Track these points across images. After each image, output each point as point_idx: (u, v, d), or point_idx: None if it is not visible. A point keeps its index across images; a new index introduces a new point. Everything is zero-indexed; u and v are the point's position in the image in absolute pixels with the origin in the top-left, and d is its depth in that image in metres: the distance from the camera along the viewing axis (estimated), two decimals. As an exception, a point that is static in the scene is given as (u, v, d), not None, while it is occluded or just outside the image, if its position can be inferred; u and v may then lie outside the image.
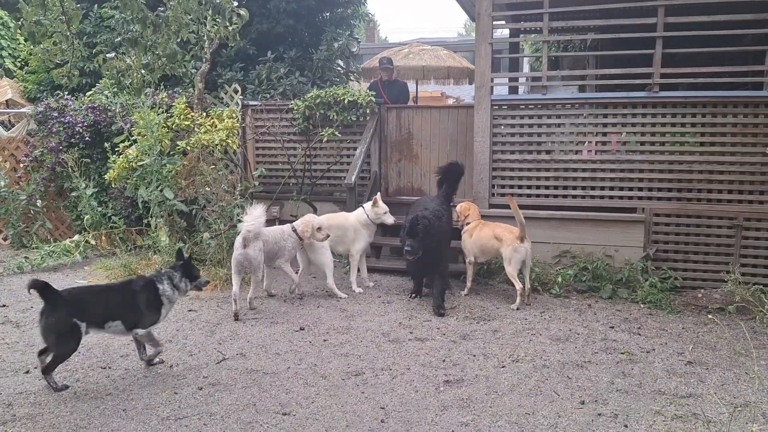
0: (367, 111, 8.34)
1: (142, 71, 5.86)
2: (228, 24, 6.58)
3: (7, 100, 12.29)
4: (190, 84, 9.43)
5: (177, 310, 5.78)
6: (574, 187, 7.24)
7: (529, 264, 6.36)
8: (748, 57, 7.18)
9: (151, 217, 7.78)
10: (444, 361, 4.82)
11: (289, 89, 9.62)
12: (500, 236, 6.30)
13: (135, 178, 7.77)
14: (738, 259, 6.60)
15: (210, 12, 5.92)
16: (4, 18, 14.09)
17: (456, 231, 6.81)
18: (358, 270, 7.03)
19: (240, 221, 6.17)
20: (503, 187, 7.50)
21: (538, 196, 7.37)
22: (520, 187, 7.44)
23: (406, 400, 4.12)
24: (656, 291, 6.40)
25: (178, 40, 5.72)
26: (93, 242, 8.22)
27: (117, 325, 4.37)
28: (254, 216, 5.89)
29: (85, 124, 8.84)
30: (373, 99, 8.31)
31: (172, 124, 7.97)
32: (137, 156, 7.72)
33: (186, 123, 7.95)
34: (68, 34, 5.47)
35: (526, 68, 16.13)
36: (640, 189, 6.99)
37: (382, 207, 6.84)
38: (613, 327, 5.70)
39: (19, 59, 14.25)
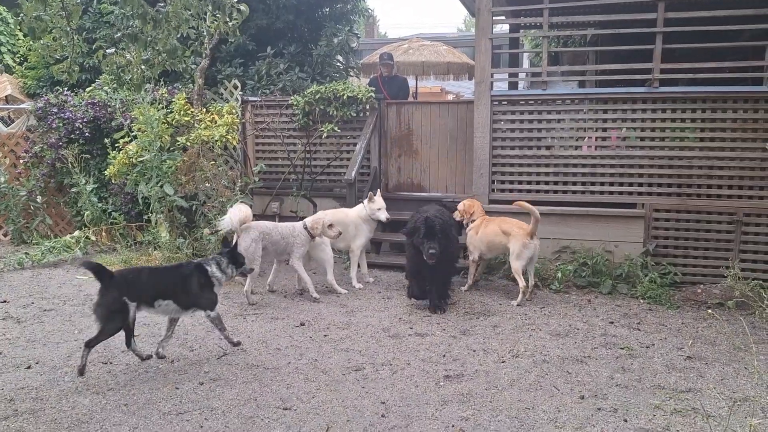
0: (367, 107, 8.34)
1: (142, 67, 5.86)
2: (228, 19, 6.58)
3: (6, 96, 12.29)
4: (189, 80, 9.43)
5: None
6: (574, 183, 7.24)
7: (535, 261, 6.35)
8: (747, 52, 7.18)
9: (152, 213, 7.78)
10: (444, 356, 4.84)
11: (289, 85, 9.62)
12: (508, 231, 6.23)
13: (135, 174, 7.77)
14: (737, 255, 6.61)
15: (210, 7, 5.92)
16: (3, 14, 14.06)
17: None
18: (359, 266, 7.04)
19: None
20: (503, 182, 7.51)
21: (537, 191, 7.37)
22: (520, 182, 7.44)
23: (407, 395, 4.14)
24: (656, 286, 6.42)
25: (178, 35, 5.72)
26: (93, 238, 8.23)
27: (168, 304, 4.58)
28: (230, 214, 6.03)
29: (85, 120, 8.84)
30: (373, 95, 8.30)
31: (172, 120, 7.97)
32: (137, 152, 7.72)
33: (186, 119, 7.95)
34: (68, 29, 5.47)
35: (525, 64, 16.12)
36: (640, 184, 7.00)
37: (377, 203, 6.81)
38: (612, 322, 5.71)
39: (19, 55, 14.24)
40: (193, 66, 8.59)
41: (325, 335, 5.30)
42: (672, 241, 6.86)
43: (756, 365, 4.49)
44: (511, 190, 7.47)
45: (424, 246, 5.68)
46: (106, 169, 8.13)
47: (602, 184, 7.15)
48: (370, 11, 15.12)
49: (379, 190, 7.08)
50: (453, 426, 3.73)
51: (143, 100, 7.98)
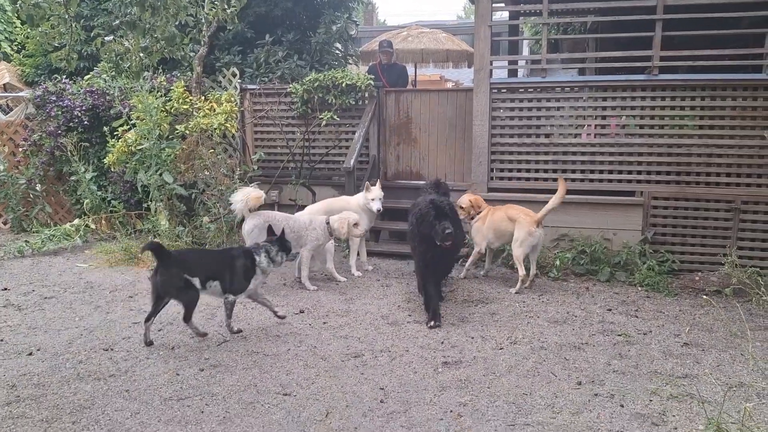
0: (366, 95, 8.31)
1: (141, 54, 5.86)
2: (226, 7, 6.58)
3: (4, 84, 12.24)
4: (188, 68, 9.39)
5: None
6: (573, 171, 7.24)
7: (538, 251, 6.33)
8: (747, 40, 7.16)
9: (151, 201, 7.79)
10: (442, 343, 4.87)
11: (288, 73, 9.58)
12: (514, 217, 6.18)
13: (134, 162, 7.77)
14: (735, 242, 6.64)
15: (208, -6, 5.90)
16: (1, 1, 13.98)
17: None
18: (358, 254, 7.06)
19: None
20: (502, 170, 7.51)
21: (536, 179, 7.38)
22: (519, 170, 7.45)
23: (405, 381, 4.17)
24: (654, 274, 6.44)
25: (177, 23, 5.70)
26: (93, 226, 8.23)
27: (216, 285, 4.77)
28: (235, 199, 6.31)
29: (84, 108, 8.81)
30: (372, 82, 8.28)
31: (171, 108, 7.95)
32: (136, 140, 7.71)
33: (185, 107, 7.93)
34: (66, 16, 5.45)
35: (525, 51, 16.05)
36: (639, 172, 7.01)
37: (373, 193, 6.74)
38: (610, 309, 5.74)
39: (16, 43, 14.17)
40: (192, 54, 8.56)
41: (325, 322, 5.33)
42: (670, 228, 6.88)
43: (752, 351, 4.52)
44: (510, 178, 7.47)
45: (437, 228, 5.18)
46: (105, 158, 8.12)
47: (601, 172, 7.15)
48: (369, -2, 15.03)
49: (379, 180, 7.07)
50: (451, 411, 3.77)
51: (142, 88, 7.96)
